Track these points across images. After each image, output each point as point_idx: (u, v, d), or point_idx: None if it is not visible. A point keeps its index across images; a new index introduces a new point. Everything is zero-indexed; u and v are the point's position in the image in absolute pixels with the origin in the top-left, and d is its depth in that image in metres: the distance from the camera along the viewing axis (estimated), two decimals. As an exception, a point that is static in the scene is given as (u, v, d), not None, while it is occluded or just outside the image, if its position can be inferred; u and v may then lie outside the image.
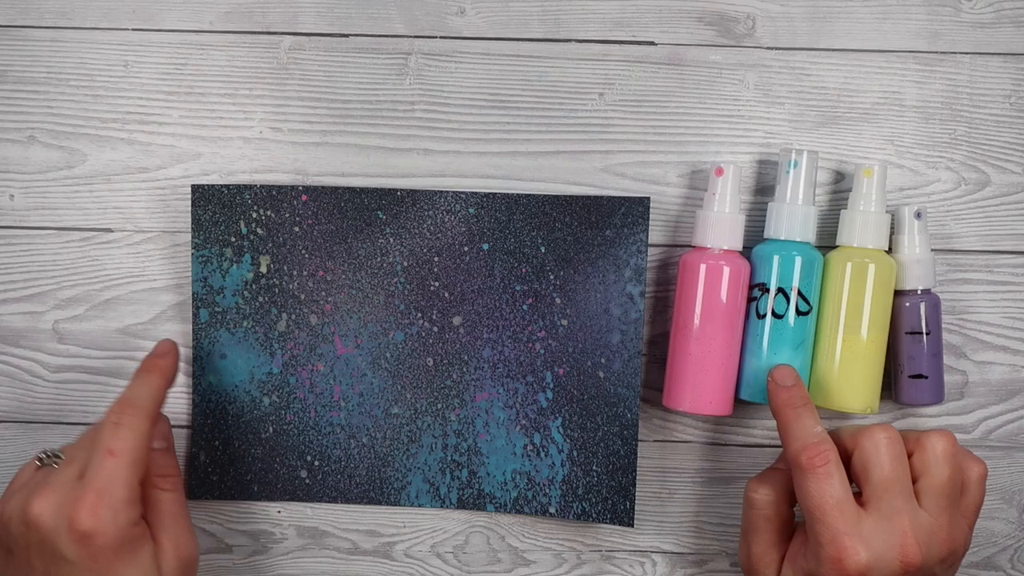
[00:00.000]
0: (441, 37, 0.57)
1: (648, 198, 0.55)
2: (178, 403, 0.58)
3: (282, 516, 0.58)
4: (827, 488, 0.48)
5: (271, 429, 0.56)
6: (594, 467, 0.55)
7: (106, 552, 0.46)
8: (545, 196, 0.55)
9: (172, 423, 0.56)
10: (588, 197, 0.55)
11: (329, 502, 0.57)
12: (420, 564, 0.58)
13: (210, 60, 0.57)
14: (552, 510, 0.56)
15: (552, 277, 0.55)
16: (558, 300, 0.55)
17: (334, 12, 0.57)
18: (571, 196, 0.55)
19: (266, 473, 0.56)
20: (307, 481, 0.56)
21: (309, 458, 0.56)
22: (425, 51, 0.57)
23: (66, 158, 0.57)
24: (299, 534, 0.58)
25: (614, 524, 0.55)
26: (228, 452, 0.56)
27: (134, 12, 0.57)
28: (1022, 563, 0.59)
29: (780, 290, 0.54)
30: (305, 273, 0.56)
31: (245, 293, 0.56)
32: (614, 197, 0.55)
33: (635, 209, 0.55)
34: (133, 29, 0.57)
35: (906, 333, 0.55)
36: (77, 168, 0.57)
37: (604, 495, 0.55)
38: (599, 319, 0.55)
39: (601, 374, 0.55)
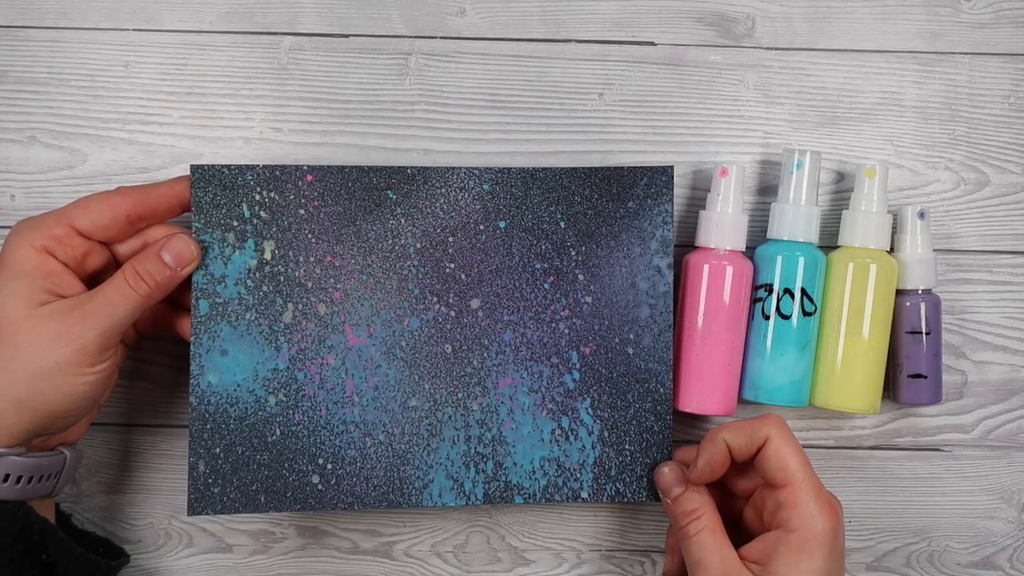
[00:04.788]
0: (441, 37, 0.57)
1: (672, 167, 0.54)
2: (173, 408, 0.58)
3: (282, 515, 0.58)
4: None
5: (278, 431, 0.52)
6: (627, 446, 0.53)
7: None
8: (563, 169, 0.53)
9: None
10: (608, 168, 0.53)
11: (344, 509, 0.53)
12: (420, 564, 0.58)
13: (210, 60, 0.57)
14: (584, 495, 0.53)
15: (574, 253, 0.53)
16: (581, 277, 0.53)
17: (334, 12, 0.57)
18: (590, 168, 0.53)
19: (274, 481, 0.52)
20: (320, 487, 0.52)
21: (321, 461, 0.52)
22: (425, 51, 0.57)
23: (67, 158, 0.57)
24: (299, 534, 0.58)
25: (651, 501, 0.54)
26: (231, 460, 0.52)
27: (134, 12, 0.57)
28: (1021, 563, 0.59)
29: (786, 291, 0.54)
30: (312, 259, 0.52)
31: (248, 282, 0.52)
32: (636, 167, 0.53)
33: (658, 179, 0.53)
34: (134, 29, 0.57)
35: (906, 333, 0.55)
36: (78, 168, 0.57)
37: (639, 473, 0.53)
38: (626, 294, 0.53)
39: (630, 350, 0.53)
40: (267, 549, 0.58)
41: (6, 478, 0.47)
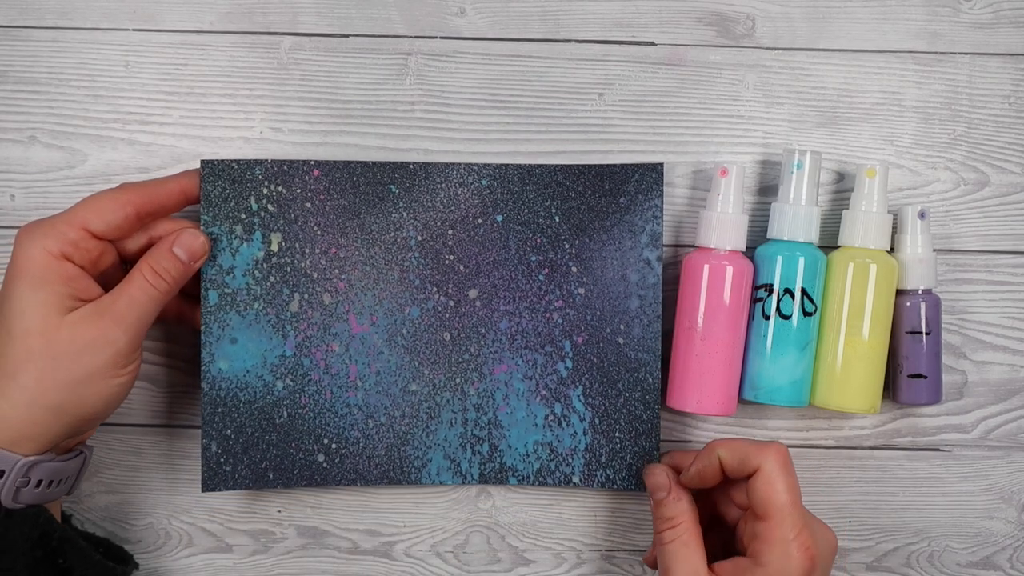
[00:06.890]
0: (441, 37, 0.57)
1: (662, 164, 0.55)
2: (173, 409, 0.58)
3: (282, 516, 0.58)
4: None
5: (286, 414, 0.55)
6: (617, 434, 0.55)
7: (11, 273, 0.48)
8: (558, 166, 0.55)
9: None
10: (601, 166, 0.55)
11: (348, 485, 0.55)
12: (420, 564, 0.58)
13: (210, 60, 0.57)
14: (576, 480, 0.55)
15: (567, 246, 0.55)
16: (574, 269, 0.55)
17: (334, 12, 0.57)
18: (584, 165, 0.55)
19: (282, 459, 0.55)
20: (324, 465, 0.55)
21: (326, 441, 0.55)
22: (425, 51, 0.57)
23: (67, 158, 0.57)
24: (299, 533, 0.58)
25: (639, 490, 0.55)
26: (241, 441, 0.54)
27: (134, 12, 0.57)
28: (1021, 563, 0.59)
29: (787, 291, 0.54)
30: (317, 250, 0.54)
31: (256, 273, 0.54)
32: (627, 165, 0.55)
33: (649, 175, 0.55)
34: (134, 29, 0.57)
35: (906, 333, 0.55)
36: (78, 168, 0.57)
37: (628, 461, 0.55)
38: (616, 286, 0.55)
39: (621, 340, 0.55)
40: (267, 549, 0.58)
41: (29, 482, 0.47)
